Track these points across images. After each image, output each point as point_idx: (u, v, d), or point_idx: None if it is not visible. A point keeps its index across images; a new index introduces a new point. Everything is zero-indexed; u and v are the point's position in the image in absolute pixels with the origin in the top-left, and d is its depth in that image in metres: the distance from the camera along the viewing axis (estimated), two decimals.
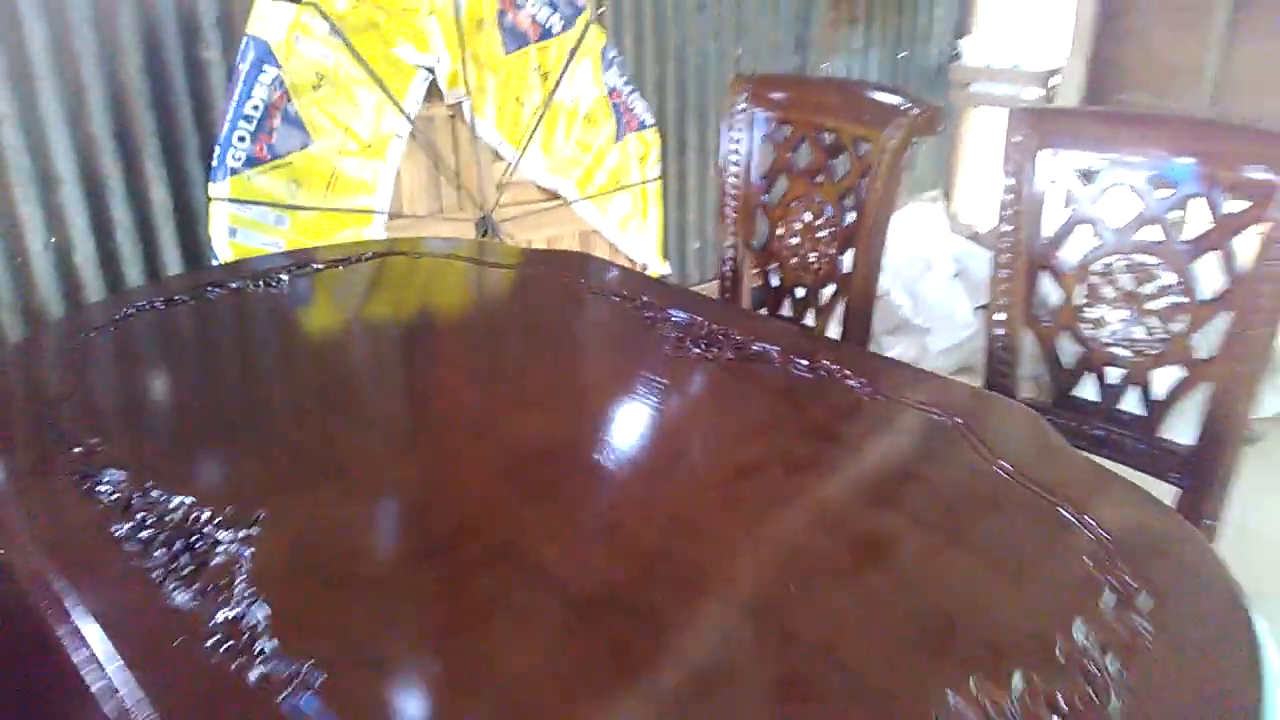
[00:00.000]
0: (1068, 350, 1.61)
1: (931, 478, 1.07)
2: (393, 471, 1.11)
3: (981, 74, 4.01)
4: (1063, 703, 0.72)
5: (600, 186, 2.85)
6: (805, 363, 1.31)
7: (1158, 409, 1.54)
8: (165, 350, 1.50)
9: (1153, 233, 1.49)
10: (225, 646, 0.78)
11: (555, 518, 0.99)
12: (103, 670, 0.76)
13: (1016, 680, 0.74)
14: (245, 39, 2.17)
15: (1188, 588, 0.87)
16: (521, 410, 1.23)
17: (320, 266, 1.75)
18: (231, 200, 2.16)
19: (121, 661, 0.76)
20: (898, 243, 3.43)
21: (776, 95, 1.91)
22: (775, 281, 1.97)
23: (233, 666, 0.76)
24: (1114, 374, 1.57)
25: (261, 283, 1.65)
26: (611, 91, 2.83)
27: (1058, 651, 0.77)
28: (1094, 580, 0.85)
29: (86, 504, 0.98)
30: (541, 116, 2.67)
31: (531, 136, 2.66)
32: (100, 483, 1.01)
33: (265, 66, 2.17)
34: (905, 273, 3.55)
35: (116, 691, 0.74)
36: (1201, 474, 1.48)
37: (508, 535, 0.94)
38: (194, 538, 0.91)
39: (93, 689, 0.74)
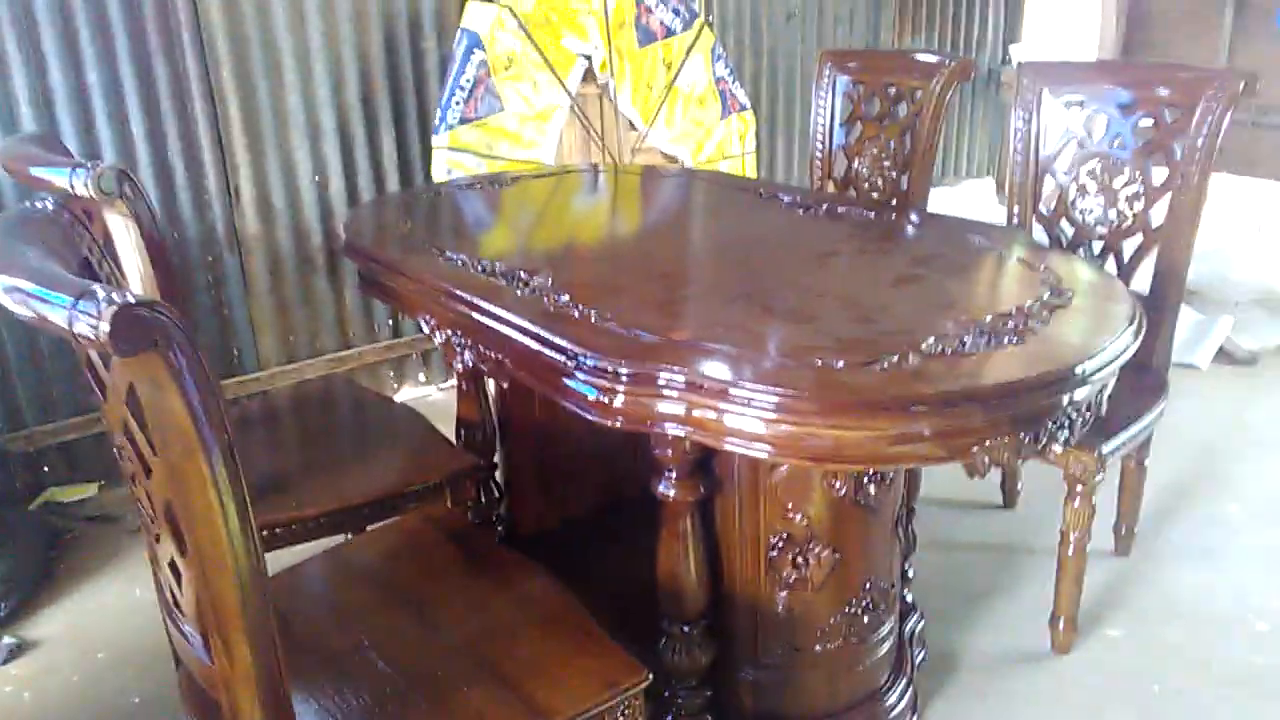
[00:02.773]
0: (1065, 232, 2.27)
1: (944, 255, 1.74)
2: (649, 265, 1.83)
3: None
4: (1012, 324, 1.39)
5: (709, 155, 3.58)
6: (870, 213, 2.01)
7: (1126, 268, 2.19)
8: (464, 208, 2.26)
9: (1119, 143, 2.16)
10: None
11: (712, 267, 1.70)
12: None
13: (986, 318, 1.42)
14: (460, 31, 2.96)
15: (1100, 291, 1.53)
16: (698, 236, 1.95)
17: (534, 176, 2.50)
18: (449, 149, 2.94)
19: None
20: (951, 208, 4.09)
21: (851, 63, 2.61)
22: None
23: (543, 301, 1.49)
24: (1097, 246, 2.23)
25: (501, 183, 2.40)
26: (718, 80, 3.56)
27: (1013, 310, 1.44)
28: (1037, 284, 1.53)
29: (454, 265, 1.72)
30: (665, 98, 3.42)
31: (658, 113, 3.40)
32: (452, 259, 1.74)
33: (474, 51, 2.95)
34: None
35: None
36: (1158, 309, 2.11)
37: (689, 273, 1.66)
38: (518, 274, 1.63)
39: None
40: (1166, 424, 2.18)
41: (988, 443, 1.24)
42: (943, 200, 4.43)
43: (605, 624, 1.36)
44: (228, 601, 1.00)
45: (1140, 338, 1.40)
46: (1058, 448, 1.36)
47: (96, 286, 0.85)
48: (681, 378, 1.28)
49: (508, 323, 1.50)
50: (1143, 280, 2.17)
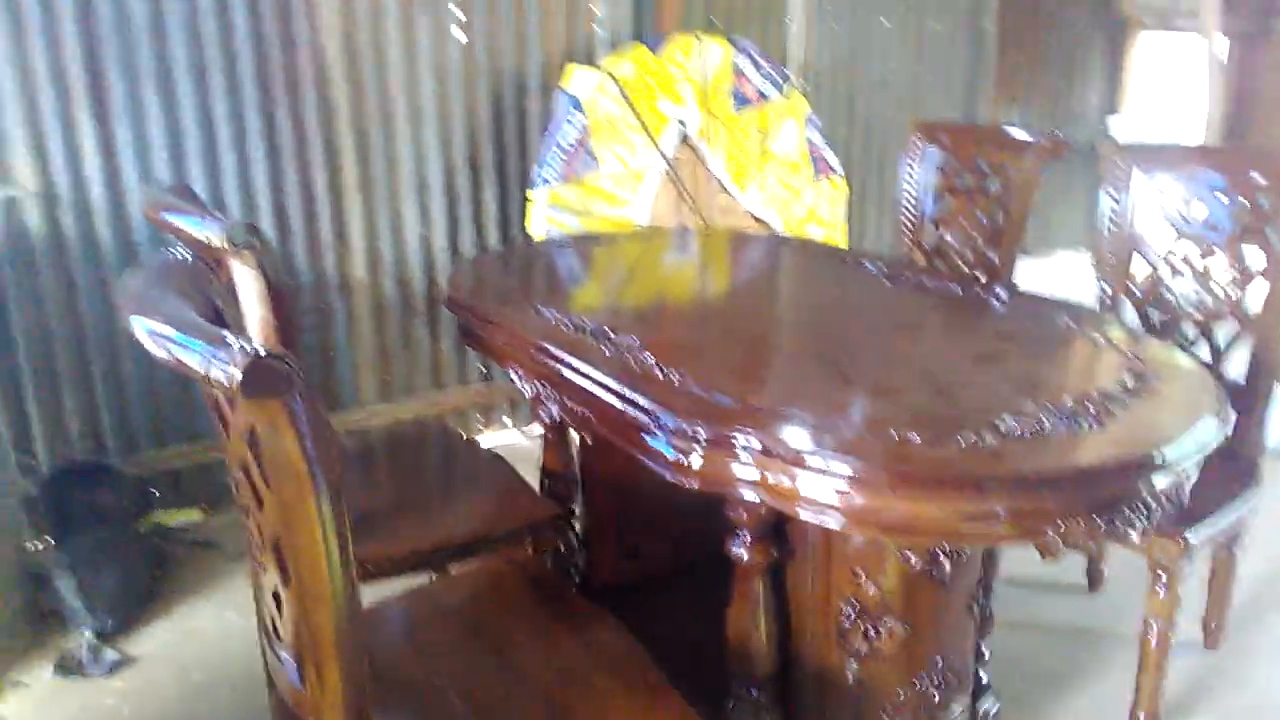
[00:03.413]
0: (1152, 314, 2.25)
1: (1028, 333, 1.75)
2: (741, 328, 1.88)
3: None
4: (1092, 408, 1.39)
5: (799, 218, 3.63)
6: (957, 286, 2.03)
7: (1220, 354, 2.16)
8: (558, 265, 2.35)
9: (1213, 225, 2.14)
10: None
11: (794, 333, 1.74)
12: None
13: (1067, 400, 1.42)
14: (562, 94, 3.10)
15: (1185, 378, 1.53)
16: (782, 301, 2.00)
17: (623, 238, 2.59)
18: (548, 205, 3.06)
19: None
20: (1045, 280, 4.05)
21: (942, 136, 2.65)
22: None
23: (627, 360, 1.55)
24: (1190, 330, 2.20)
25: (594, 242, 2.49)
26: (811, 145, 3.62)
27: (1094, 393, 1.45)
28: (1121, 368, 1.53)
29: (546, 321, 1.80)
30: (757, 162, 3.50)
31: (750, 176, 3.48)
32: (544, 315, 1.83)
33: (575, 113, 3.08)
34: None
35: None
36: (1252, 399, 2.08)
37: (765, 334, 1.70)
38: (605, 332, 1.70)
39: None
40: (1264, 514, 2.12)
41: (1062, 526, 1.25)
42: (1035, 273, 4.39)
43: (673, 680, 1.39)
44: (324, 631, 1.07)
45: (1226, 428, 1.39)
46: (1135, 535, 1.36)
47: (229, 335, 0.94)
48: (757, 443, 1.33)
49: (593, 380, 1.57)
50: (1238, 366, 2.13)
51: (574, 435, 2.17)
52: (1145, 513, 1.31)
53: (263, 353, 0.91)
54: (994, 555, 1.88)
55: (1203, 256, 2.16)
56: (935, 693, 1.67)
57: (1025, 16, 4.44)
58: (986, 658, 1.93)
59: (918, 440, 1.29)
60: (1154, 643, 1.88)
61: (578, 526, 2.23)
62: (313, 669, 1.11)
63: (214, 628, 2.39)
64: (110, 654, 2.24)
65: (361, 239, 3.07)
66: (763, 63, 3.48)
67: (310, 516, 1.00)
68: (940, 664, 1.66)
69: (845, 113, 4.05)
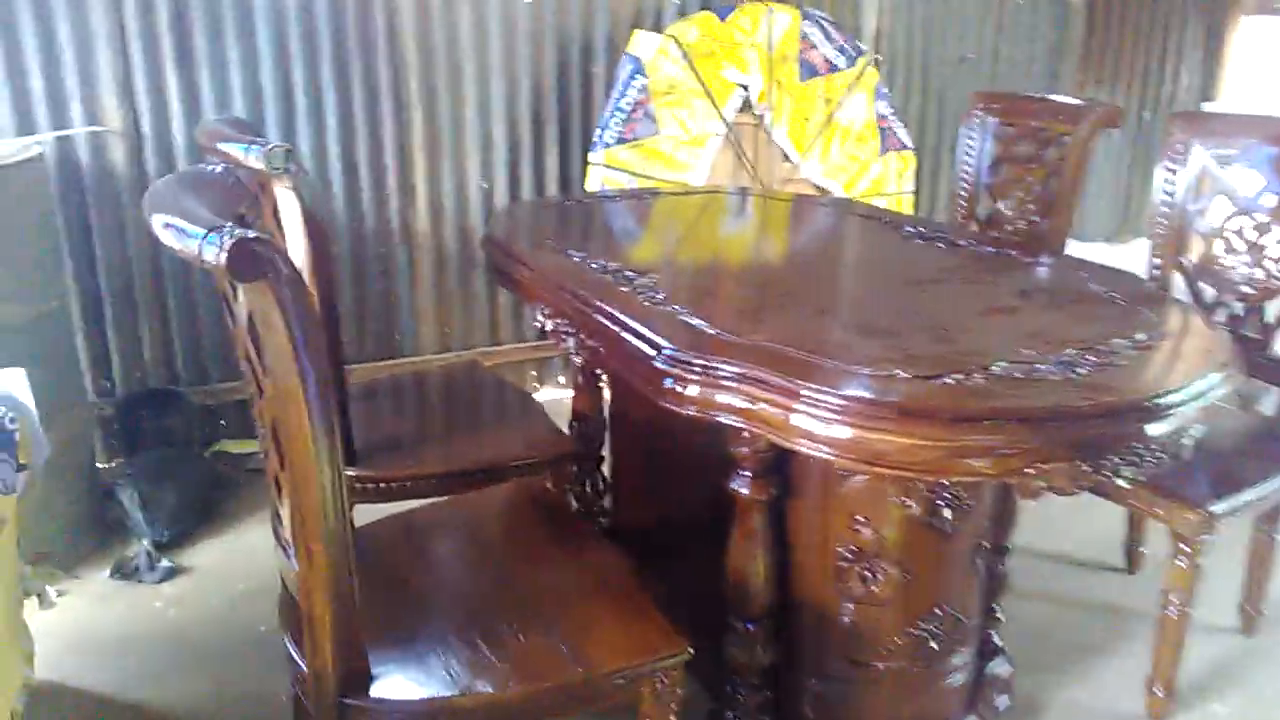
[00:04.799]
0: (1205, 290, 2.18)
1: (1048, 292, 1.73)
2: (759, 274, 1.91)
3: None
4: (1094, 359, 1.38)
5: (862, 191, 3.60)
6: (991, 248, 2.01)
7: (1269, 331, 2.09)
8: (601, 216, 2.41)
9: (1269, 200, 2.06)
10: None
11: (812, 284, 1.75)
12: None
13: (1067, 350, 1.41)
14: (625, 56, 3.14)
15: (1198, 336, 1.50)
16: (810, 256, 2.02)
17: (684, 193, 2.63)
18: (605, 166, 3.12)
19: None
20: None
21: (1002, 105, 2.60)
22: None
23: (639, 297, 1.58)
24: (1238, 307, 2.13)
25: (645, 197, 2.54)
26: (880, 118, 3.58)
27: (1098, 345, 1.43)
28: (1135, 325, 1.51)
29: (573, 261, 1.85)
30: (821, 132, 3.48)
31: (813, 146, 3.47)
32: (572, 257, 1.88)
33: (636, 76, 3.12)
34: None
35: None
36: None
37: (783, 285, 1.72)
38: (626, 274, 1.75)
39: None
40: None
41: (1045, 466, 1.25)
42: (1108, 256, 4.26)
43: (683, 618, 1.43)
44: (313, 511, 1.15)
45: (1231, 383, 1.36)
46: (1123, 482, 1.34)
47: (226, 224, 1.02)
48: (751, 374, 1.36)
49: (605, 313, 1.62)
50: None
51: (606, 388, 2.23)
52: (1136, 460, 1.29)
53: (250, 236, 0.99)
54: (1007, 514, 1.87)
55: (1257, 231, 2.10)
56: (933, 642, 1.67)
57: None
58: (1000, 619, 1.92)
59: (905, 376, 1.31)
60: (1172, 615, 1.85)
61: (606, 471, 2.28)
62: (304, 548, 1.19)
63: (264, 544, 2.50)
64: (165, 562, 2.39)
65: (426, 189, 3.17)
66: (833, 33, 3.46)
67: (298, 398, 1.08)
68: (939, 615, 1.67)
69: (920, 87, 3.99)
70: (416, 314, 3.28)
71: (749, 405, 1.38)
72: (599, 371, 2.18)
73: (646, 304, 1.62)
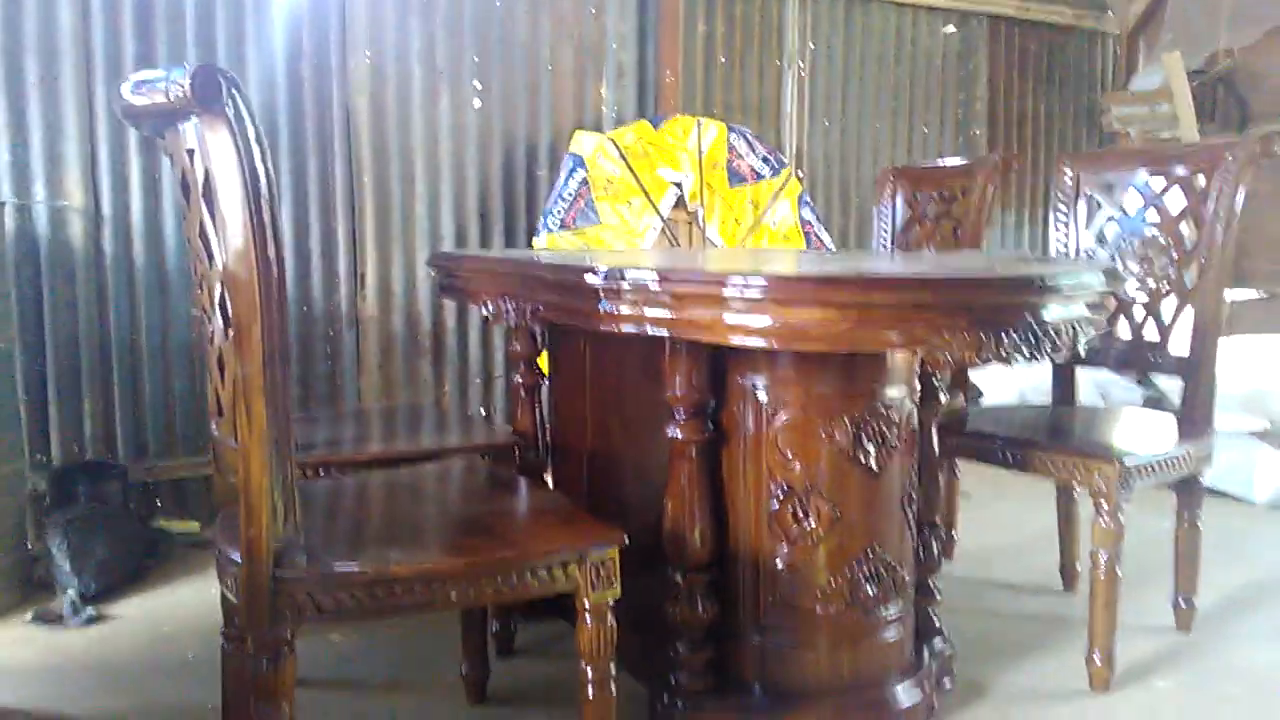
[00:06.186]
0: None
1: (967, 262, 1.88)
2: None
3: None
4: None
5: None
6: None
7: (1165, 331, 2.25)
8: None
9: (1152, 215, 2.29)
10: None
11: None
12: None
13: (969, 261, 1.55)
14: (568, 155, 3.40)
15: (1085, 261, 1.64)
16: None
17: None
18: (545, 250, 3.30)
19: None
20: None
21: (909, 174, 2.87)
22: None
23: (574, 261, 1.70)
24: (1138, 313, 2.30)
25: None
26: (804, 223, 3.86)
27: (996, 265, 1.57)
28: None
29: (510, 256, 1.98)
30: (751, 231, 3.73)
31: (744, 243, 3.70)
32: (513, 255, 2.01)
33: (577, 169, 3.36)
34: None
35: None
36: (1196, 364, 2.16)
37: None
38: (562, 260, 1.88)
39: None
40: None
41: (945, 337, 1.35)
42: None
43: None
44: (254, 363, 1.20)
45: (1111, 284, 1.50)
46: (1020, 359, 1.44)
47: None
48: (677, 280, 1.46)
49: (539, 270, 1.73)
50: (1180, 345, 2.22)
51: (545, 404, 2.28)
52: (1032, 339, 1.40)
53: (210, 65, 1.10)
54: (930, 461, 1.90)
55: (1144, 246, 2.30)
56: (868, 585, 1.69)
57: (1013, 127, 4.75)
58: (938, 598, 1.93)
59: (812, 270, 1.43)
60: (1101, 575, 1.89)
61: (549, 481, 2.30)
62: (244, 409, 1.22)
63: (194, 599, 2.45)
64: (89, 610, 2.31)
65: (375, 277, 3.31)
66: (758, 145, 3.77)
67: (247, 235, 1.16)
68: (871, 554, 1.70)
69: (839, 202, 4.31)
70: (362, 398, 3.33)
71: (679, 315, 1.47)
72: (535, 333, 2.19)
73: (575, 261, 1.74)
